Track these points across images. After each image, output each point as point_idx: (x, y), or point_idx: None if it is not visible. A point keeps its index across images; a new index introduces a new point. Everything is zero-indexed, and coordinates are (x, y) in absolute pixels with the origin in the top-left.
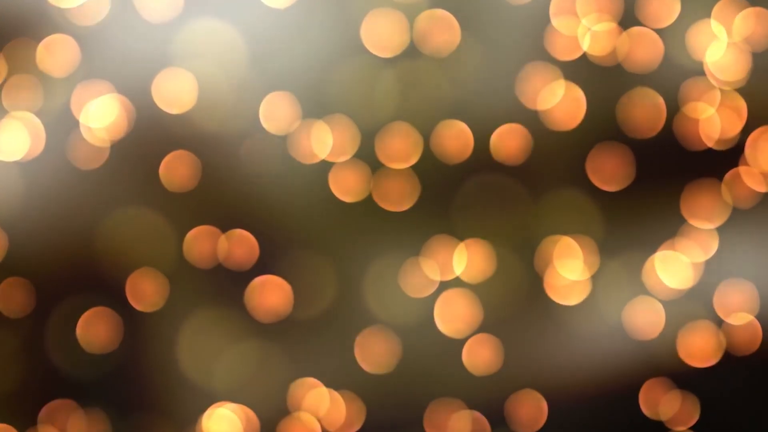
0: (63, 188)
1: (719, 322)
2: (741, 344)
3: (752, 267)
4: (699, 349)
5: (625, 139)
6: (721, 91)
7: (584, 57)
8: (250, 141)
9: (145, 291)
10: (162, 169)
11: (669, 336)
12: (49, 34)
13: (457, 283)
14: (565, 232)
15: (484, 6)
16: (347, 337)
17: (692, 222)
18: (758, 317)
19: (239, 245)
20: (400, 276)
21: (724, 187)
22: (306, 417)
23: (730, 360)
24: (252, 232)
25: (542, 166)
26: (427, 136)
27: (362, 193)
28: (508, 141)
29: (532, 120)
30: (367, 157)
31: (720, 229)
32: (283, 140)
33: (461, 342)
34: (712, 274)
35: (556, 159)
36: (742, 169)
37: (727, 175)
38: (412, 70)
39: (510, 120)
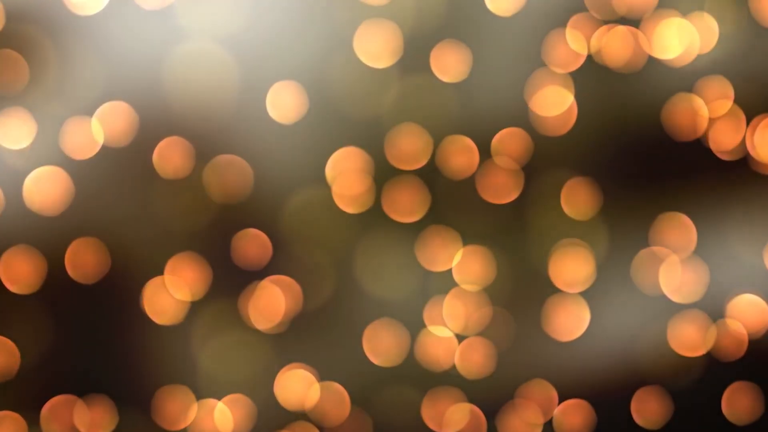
0: (63, 182)
1: (715, 321)
2: (730, 347)
3: (755, 269)
4: (691, 347)
5: (624, 139)
6: (719, 86)
7: (581, 59)
8: (252, 137)
9: (146, 289)
10: (162, 166)
11: (665, 336)
12: (48, 25)
13: (457, 283)
14: (566, 233)
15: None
16: (350, 334)
17: (694, 222)
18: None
19: (252, 244)
20: (400, 275)
21: (727, 185)
22: (309, 415)
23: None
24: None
25: (543, 167)
26: (427, 141)
27: (366, 198)
28: (509, 144)
29: (532, 122)
30: (371, 162)
31: (722, 229)
32: (286, 135)
33: (461, 341)
34: (714, 274)
35: (557, 159)
36: (745, 165)
37: (731, 173)
38: (412, 79)
39: (510, 122)
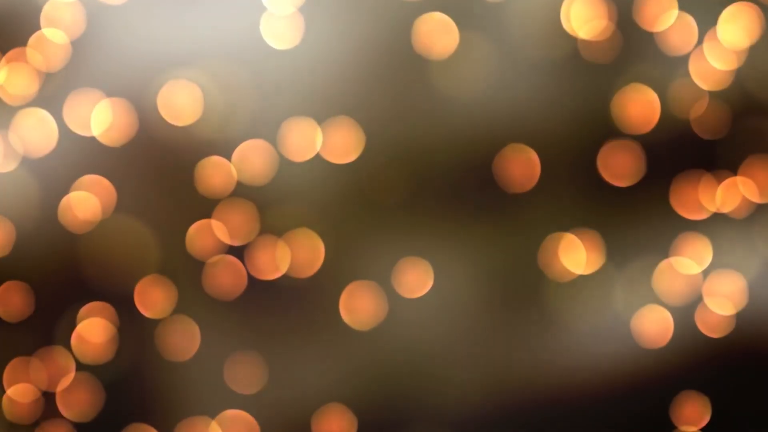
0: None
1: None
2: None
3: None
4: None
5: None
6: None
7: (581, 55)
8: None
9: (153, 295)
10: (159, 171)
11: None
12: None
13: (456, 280)
14: (568, 230)
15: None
16: (354, 333)
17: (700, 219)
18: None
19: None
20: (395, 275)
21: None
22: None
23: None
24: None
25: (543, 164)
26: (425, 135)
27: (357, 190)
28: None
29: (533, 121)
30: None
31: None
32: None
33: (461, 340)
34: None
35: (557, 157)
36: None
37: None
38: (413, 73)
39: (512, 120)
